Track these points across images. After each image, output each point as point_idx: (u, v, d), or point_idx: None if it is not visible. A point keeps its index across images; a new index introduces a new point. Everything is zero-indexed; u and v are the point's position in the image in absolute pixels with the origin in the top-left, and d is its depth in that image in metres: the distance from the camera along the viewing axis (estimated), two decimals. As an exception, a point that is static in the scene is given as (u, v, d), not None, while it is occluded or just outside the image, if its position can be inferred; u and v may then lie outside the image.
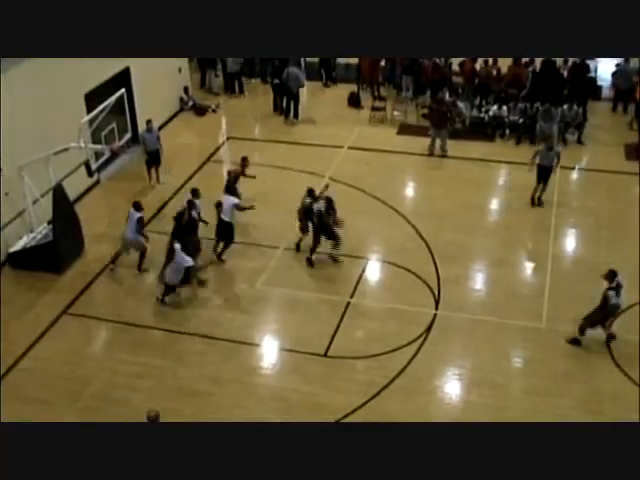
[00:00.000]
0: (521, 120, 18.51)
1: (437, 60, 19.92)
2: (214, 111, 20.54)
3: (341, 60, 22.29)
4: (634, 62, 19.56)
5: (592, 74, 19.97)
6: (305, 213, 14.03)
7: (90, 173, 14.47)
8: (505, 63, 19.65)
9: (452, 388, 11.42)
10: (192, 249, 13.35)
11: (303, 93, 20.58)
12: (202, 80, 22.01)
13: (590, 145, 18.05)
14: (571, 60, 19.36)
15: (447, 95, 18.55)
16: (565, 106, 18.37)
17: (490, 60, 19.68)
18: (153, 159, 16.69)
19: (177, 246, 12.64)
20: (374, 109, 19.81)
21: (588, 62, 19.49)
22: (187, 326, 12.65)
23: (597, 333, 11.84)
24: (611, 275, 11.50)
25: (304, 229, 14.20)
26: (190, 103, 20.52)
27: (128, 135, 15.42)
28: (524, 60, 19.42)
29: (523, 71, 19.44)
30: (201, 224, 14.06)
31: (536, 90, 18.99)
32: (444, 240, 14.62)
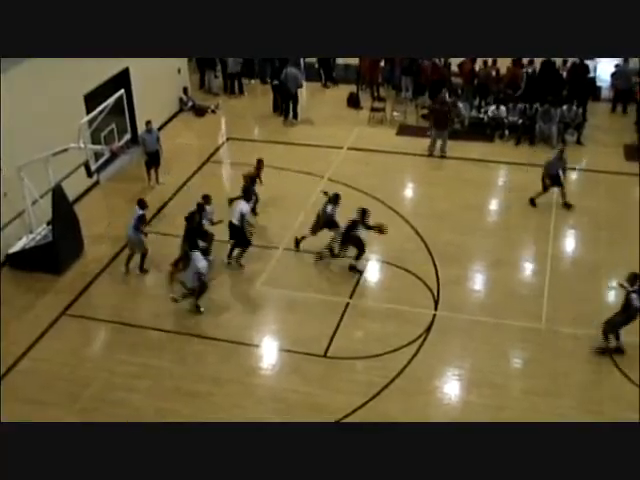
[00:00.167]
0: (520, 121, 18.52)
1: (436, 61, 19.92)
2: (213, 112, 20.54)
3: (340, 61, 22.29)
4: (633, 63, 19.57)
5: (591, 74, 19.97)
6: (326, 221, 13.91)
7: (89, 174, 14.46)
8: (504, 64, 19.65)
9: (451, 388, 11.42)
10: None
11: (302, 94, 20.59)
12: (201, 81, 22.00)
13: (589, 146, 18.05)
14: (570, 61, 19.36)
15: (447, 96, 18.54)
16: (564, 107, 18.38)
17: (489, 61, 19.68)
18: (153, 160, 16.68)
19: (195, 255, 12.54)
20: (373, 110, 19.81)
21: (587, 63, 19.50)
22: (186, 326, 12.65)
23: (596, 334, 11.84)
24: (633, 278, 11.50)
25: (315, 231, 14.10)
26: (189, 104, 20.51)
27: (127, 136, 15.41)
28: (524, 60, 19.42)
29: (518, 72, 19.47)
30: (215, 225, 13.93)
31: (531, 91, 19.00)
32: (443, 240, 14.62)
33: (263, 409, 10.98)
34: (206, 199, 13.87)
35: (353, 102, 20.67)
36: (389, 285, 13.73)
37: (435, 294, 13.19)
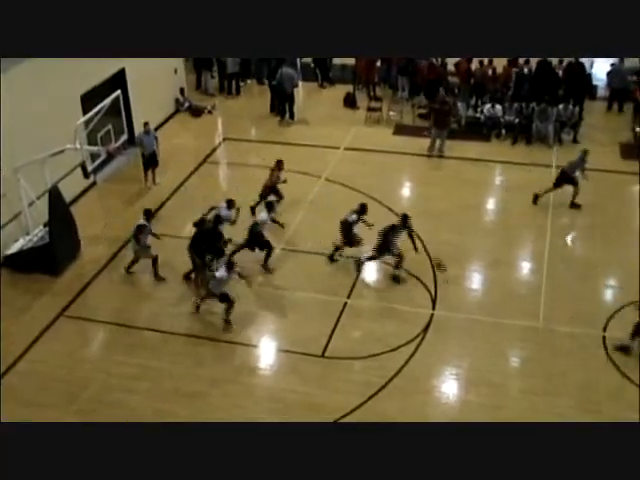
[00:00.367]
0: (517, 120, 18.54)
1: (433, 60, 19.93)
2: (210, 112, 20.52)
3: (337, 60, 22.30)
4: (629, 61, 19.59)
5: (588, 72, 20.00)
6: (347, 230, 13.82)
7: (86, 175, 14.41)
8: (501, 63, 19.67)
9: (449, 388, 11.42)
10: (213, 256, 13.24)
11: (299, 94, 20.58)
12: (198, 81, 21.99)
13: (586, 144, 18.01)
14: (566, 60, 19.39)
15: (445, 95, 18.55)
16: (561, 106, 18.40)
17: (485, 60, 19.70)
18: (150, 161, 16.67)
19: (219, 274, 12.38)
20: (370, 109, 19.82)
21: (583, 61, 19.52)
22: (183, 327, 12.63)
23: (595, 332, 11.85)
24: None
25: (350, 243, 13.91)
26: (186, 104, 20.50)
27: (124, 137, 15.39)
28: (520, 60, 19.43)
29: (509, 71, 19.49)
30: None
31: (526, 90, 19.00)
32: (441, 240, 14.62)
33: (261, 409, 10.97)
34: (229, 204, 13.80)
35: (350, 102, 20.68)
36: (387, 285, 13.73)
37: (433, 293, 13.20)
